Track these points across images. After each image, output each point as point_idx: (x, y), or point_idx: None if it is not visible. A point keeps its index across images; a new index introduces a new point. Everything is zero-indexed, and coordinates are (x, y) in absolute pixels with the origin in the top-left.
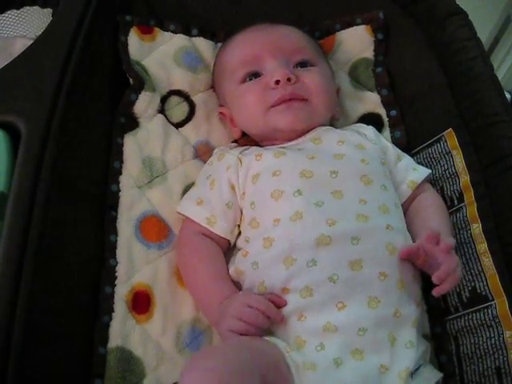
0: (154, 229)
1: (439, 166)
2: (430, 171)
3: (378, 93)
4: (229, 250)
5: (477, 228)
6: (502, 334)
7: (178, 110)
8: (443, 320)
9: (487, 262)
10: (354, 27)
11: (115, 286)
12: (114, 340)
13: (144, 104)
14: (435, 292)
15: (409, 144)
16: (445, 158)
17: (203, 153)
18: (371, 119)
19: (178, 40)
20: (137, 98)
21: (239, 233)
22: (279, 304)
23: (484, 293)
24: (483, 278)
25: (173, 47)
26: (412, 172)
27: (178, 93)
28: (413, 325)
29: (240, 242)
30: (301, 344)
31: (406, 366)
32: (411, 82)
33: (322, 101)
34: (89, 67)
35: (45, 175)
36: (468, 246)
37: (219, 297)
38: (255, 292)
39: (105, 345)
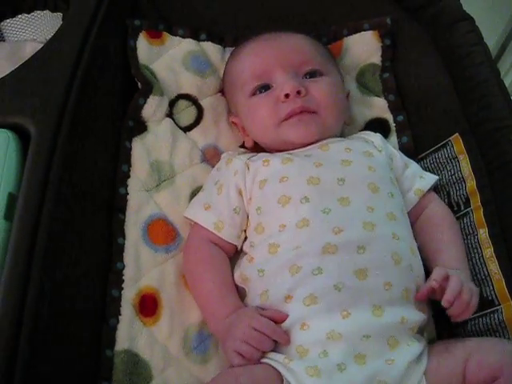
0: (162, 232)
1: (446, 171)
2: (436, 178)
3: (385, 98)
4: (235, 254)
5: (483, 233)
6: (508, 338)
7: (186, 113)
8: (450, 325)
9: (493, 266)
10: (362, 33)
11: (122, 289)
12: (121, 343)
13: (152, 108)
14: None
15: (416, 149)
16: (451, 162)
17: (211, 157)
18: (378, 124)
19: (187, 44)
20: (145, 102)
21: (245, 238)
22: (281, 319)
23: (490, 297)
24: (490, 283)
25: (181, 51)
26: (419, 180)
27: (187, 97)
28: (417, 331)
29: (245, 247)
30: (303, 352)
31: (408, 360)
32: (418, 87)
33: (330, 112)
34: (98, 71)
35: (53, 177)
36: (475, 250)
37: (224, 310)
38: (258, 301)
39: (112, 348)
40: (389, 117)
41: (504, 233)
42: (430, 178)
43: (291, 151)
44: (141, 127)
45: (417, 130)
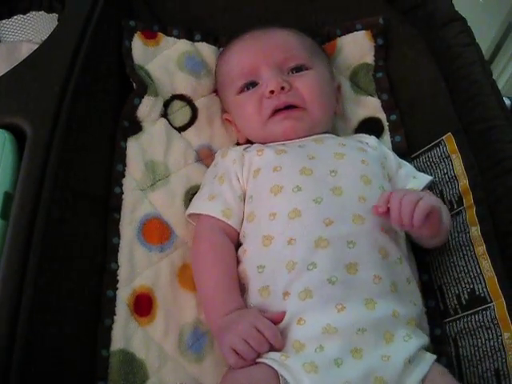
0: (156, 231)
1: (439, 170)
2: (430, 178)
3: (379, 97)
4: None
5: (475, 230)
6: (501, 335)
7: (181, 114)
8: (442, 322)
9: (486, 264)
10: (354, 33)
11: (117, 289)
12: (117, 343)
13: (147, 108)
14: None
15: (408, 148)
16: (444, 162)
17: (205, 157)
18: (371, 124)
19: (182, 45)
20: (140, 103)
21: None
22: (279, 320)
23: (483, 295)
24: (482, 280)
25: (176, 52)
26: (412, 180)
27: (181, 97)
28: (411, 323)
29: (240, 237)
30: (299, 348)
31: (404, 357)
32: (411, 86)
33: (317, 105)
34: (93, 71)
35: (49, 176)
36: (467, 248)
37: (228, 306)
38: (258, 297)
39: (107, 347)
40: (382, 116)
41: (496, 230)
42: (424, 179)
43: (284, 142)
44: (136, 127)
45: (410, 129)
